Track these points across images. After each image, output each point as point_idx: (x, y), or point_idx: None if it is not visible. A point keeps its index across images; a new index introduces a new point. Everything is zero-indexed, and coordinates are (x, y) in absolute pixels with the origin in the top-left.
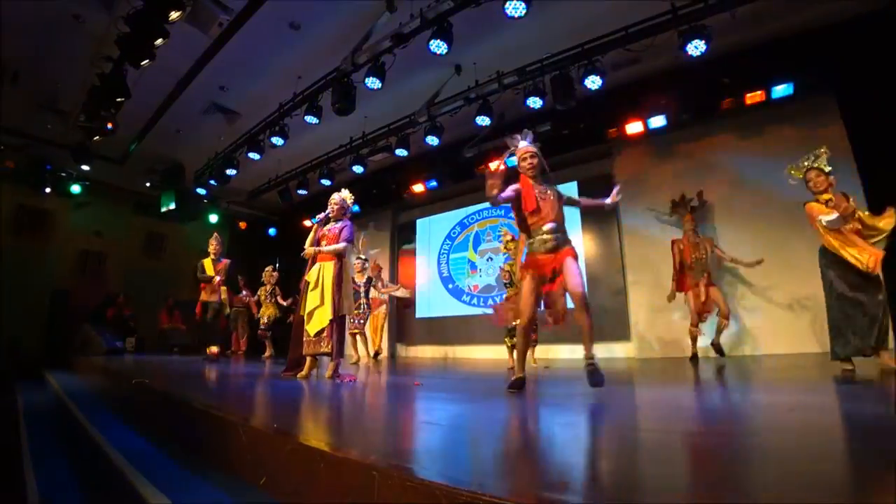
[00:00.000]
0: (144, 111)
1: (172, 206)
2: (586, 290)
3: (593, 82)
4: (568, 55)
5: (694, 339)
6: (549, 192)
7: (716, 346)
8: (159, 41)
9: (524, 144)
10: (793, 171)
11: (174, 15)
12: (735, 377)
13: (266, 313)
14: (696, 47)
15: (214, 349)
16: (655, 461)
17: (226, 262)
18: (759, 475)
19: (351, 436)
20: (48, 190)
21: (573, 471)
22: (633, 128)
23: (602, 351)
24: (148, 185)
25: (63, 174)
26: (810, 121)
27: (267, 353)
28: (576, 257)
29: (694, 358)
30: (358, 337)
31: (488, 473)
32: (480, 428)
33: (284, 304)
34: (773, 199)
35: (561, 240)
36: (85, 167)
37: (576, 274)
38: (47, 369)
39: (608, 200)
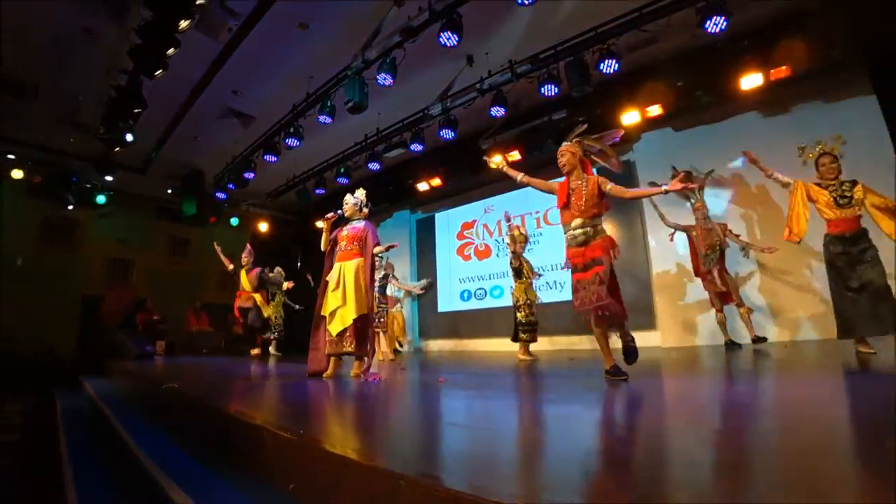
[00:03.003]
0: (162, 120)
1: (193, 211)
2: (605, 281)
3: (609, 66)
4: (581, 40)
5: (722, 325)
6: (585, 186)
7: (754, 339)
8: (171, 51)
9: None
10: (807, 151)
11: (184, 24)
12: (757, 367)
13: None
14: (715, 24)
15: (256, 350)
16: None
17: (256, 271)
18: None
19: (377, 440)
20: (74, 201)
21: (604, 473)
22: (652, 111)
23: None
24: (169, 191)
25: (88, 185)
26: (841, 96)
27: (255, 351)
28: (607, 250)
29: (729, 344)
30: (381, 334)
31: (516, 479)
32: (507, 429)
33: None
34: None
35: (591, 234)
36: (108, 177)
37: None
38: (83, 375)
39: (666, 187)
